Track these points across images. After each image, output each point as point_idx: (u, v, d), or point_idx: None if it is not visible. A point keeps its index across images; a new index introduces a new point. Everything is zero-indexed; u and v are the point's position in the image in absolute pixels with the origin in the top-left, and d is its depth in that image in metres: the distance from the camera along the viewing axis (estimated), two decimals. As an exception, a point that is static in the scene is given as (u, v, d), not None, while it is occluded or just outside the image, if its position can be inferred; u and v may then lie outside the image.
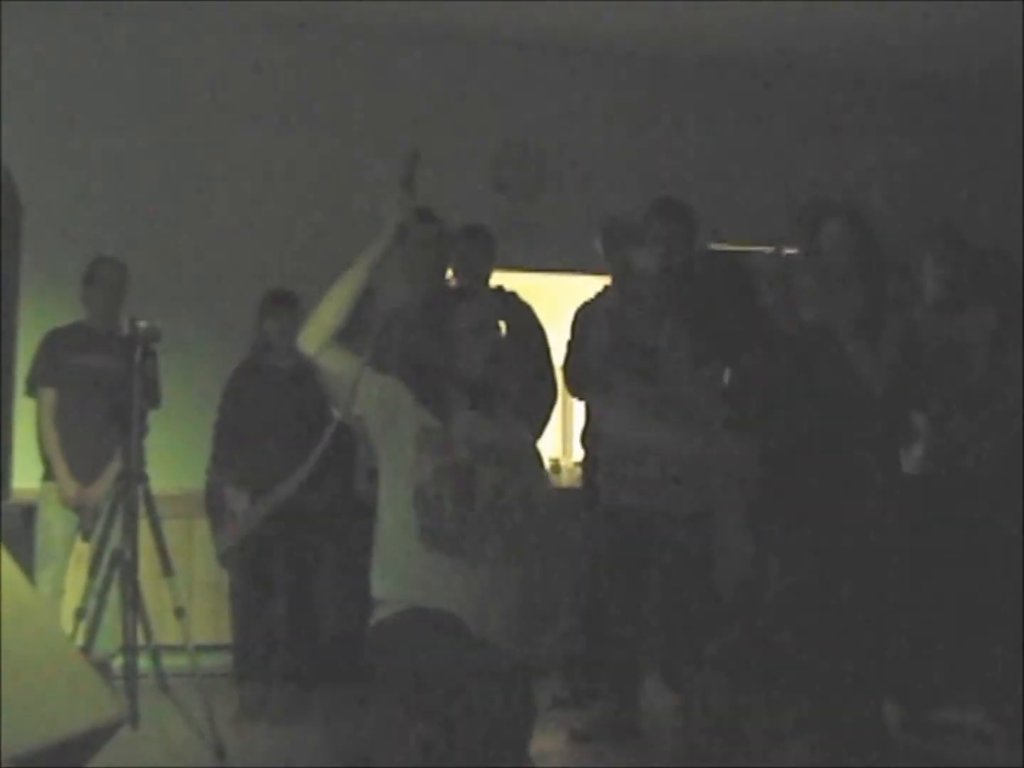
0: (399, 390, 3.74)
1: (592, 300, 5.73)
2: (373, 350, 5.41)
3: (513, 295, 5.52)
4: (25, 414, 6.04)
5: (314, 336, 3.68)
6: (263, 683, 5.80)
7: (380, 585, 3.68)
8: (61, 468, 5.92)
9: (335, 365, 3.69)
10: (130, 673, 5.06)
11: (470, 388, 3.75)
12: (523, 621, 3.66)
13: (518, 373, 4.45)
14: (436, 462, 3.64)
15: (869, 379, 4.77)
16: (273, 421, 5.84)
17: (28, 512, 5.94)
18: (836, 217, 5.01)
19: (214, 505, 6.07)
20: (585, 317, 5.66)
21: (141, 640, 5.14)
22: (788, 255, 5.36)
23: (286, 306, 5.89)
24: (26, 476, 5.99)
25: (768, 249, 5.46)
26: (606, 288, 5.64)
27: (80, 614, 5.16)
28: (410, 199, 3.76)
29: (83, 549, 5.91)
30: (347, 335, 6.25)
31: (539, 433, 5.34)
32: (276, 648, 5.94)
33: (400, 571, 3.64)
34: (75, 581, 5.78)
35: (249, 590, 5.89)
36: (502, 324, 3.92)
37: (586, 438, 5.64)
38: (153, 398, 5.66)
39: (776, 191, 7.43)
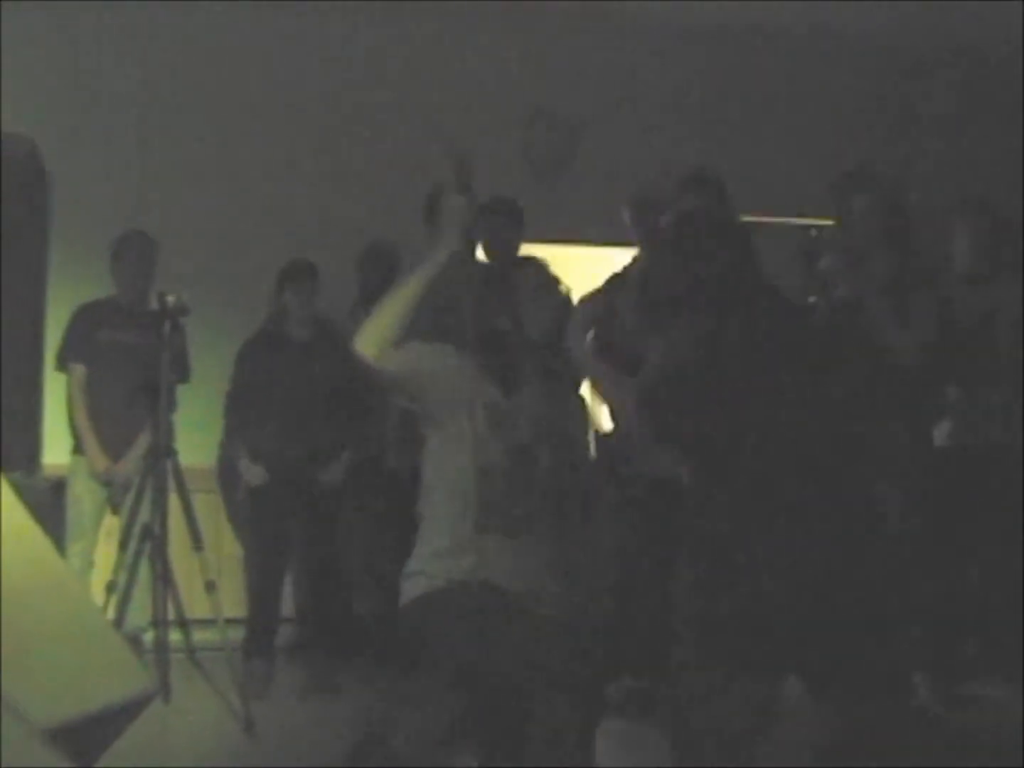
0: (461, 363, 3.70)
1: (621, 271, 5.71)
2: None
3: (543, 263, 5.48)
4: (55, 389, 6.04)
5: (371, 344, 3.57)
6: (269, 659, 5.79)
7: (420, 560, 3.65)
8: (91, 442, 5.92)
9: (395, 364, 3.61)
10: (161, 647, 5.08)
11: (538, 352, 3.72)
12: (572, 594, 3.64)
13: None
14: (501, 440, 3.60)
15: (899, 352, 4.73)
16: (288, 392, 5.80)
17: (58, 486, 5.95)
18: (866, 191, 4.97)
19: (227, 478, 6.07)
20: (614, 288, 5.63)
21: (171, 614, 5.17)
22: (822, 230, 5.32)
23: (306, 277, 5.86)
24: (56, 451, 6.00)
25: (812, 230, 5.42)
26: (635, 259, 5.60)
27: (111, 588, 5.18)
28: (470, 206, 3.71)
29: (113, 523, 5.94)
30: (375, 299, 6.28)
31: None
32: (287, 624, 5.94)
33: (447, 547, 3.59)
34: (105, 555, 5.80)
35: (262, 564, 5.88)
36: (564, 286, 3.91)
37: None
38: (182, 372, 5.69)
39: (808, 163, 7.36)
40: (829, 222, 5.81)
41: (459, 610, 3.50)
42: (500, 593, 3.51)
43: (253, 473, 5.78)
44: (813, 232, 5.36)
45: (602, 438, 5.72)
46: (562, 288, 3.88)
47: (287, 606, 6.12)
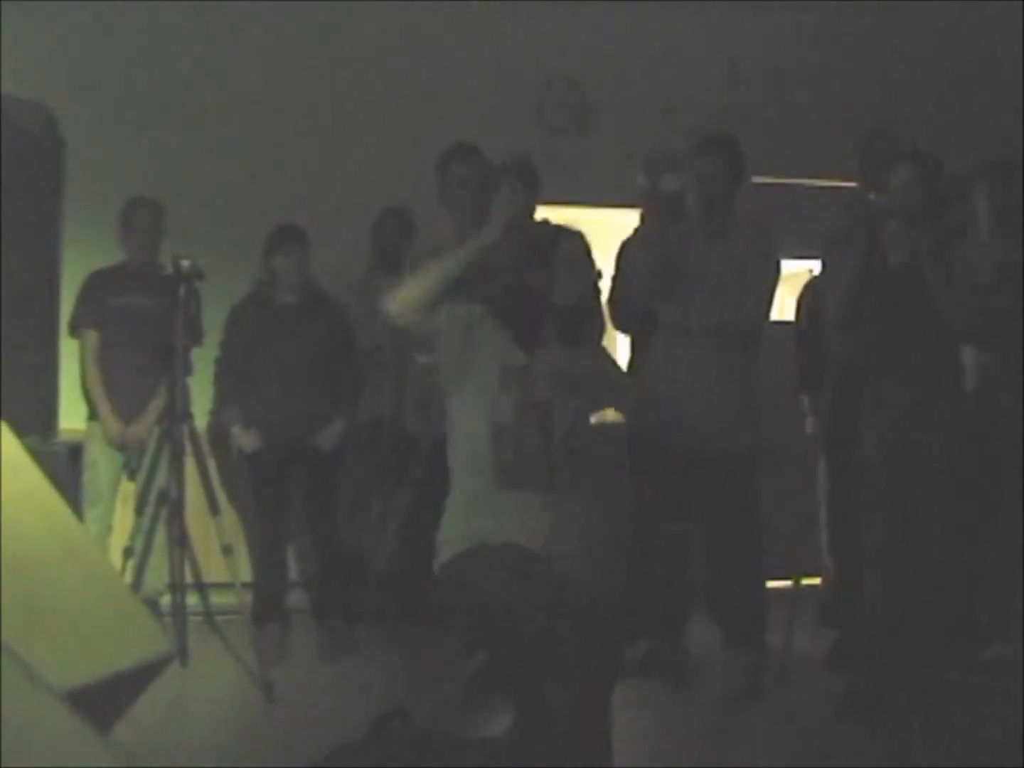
0: (482, 322, 3.71)
1: (634, 233, 5.70)
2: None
3: (562, 227, 5.47)
4: (71, 355, 6.05)
5: (405, 304, 3.63)
6: (282, 623, 5.80)
7: (448, 525, 3.67)
8: (104, 408, 5.94)
9: (420, 323, 3.66)
10: (178, 611, 5.11)
11: (563, 320, 3.72)
12: (595, 551, 3.66)
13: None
14: (516, 399, 3.62)
15: (953, 319, 4.73)
16: (280, 357, 5.77)
17: (75, 452, 5.97)
18: (907, 162, 4.94)
19: (219, 443, 6.05)
20: (627, 250, 5.63)
21: (188, 578, 5.19)
22: (878, 196, 5.29)
23: (296, 241, 5.83)
24: (72, 416, 6.02)
25: (871, 195, 5.39)
26: (642, 219, 5.59)
27: (128, 553, 5.21)
28: (518, 196, 3.73)
29: (129, 488, 5.96)
30: (389, 265, 6.27)
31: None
32: (290, 589, 5.95)
33: (471, 509, 3.63)
34: (122, 520, 5.82)
35: (263, 530, 5.89)
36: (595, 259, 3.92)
37: (631, 372, 5.60)
38: (196, 336, 5.68)
39: (825, 124, 7.31)
40: (844, 183, 5.79)
41: (482, 574, 3.52)
42: (522, 554, 3.52)
43: (247, 439, 5.76)
44: (871, 197, 5.33)
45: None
46: (596, 267, 3.91)
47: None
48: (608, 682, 3.36)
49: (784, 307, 7.67)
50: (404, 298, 3.63)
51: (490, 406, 3.61)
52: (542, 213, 5.74)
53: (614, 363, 4.14)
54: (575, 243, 3.84)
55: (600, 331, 5.33)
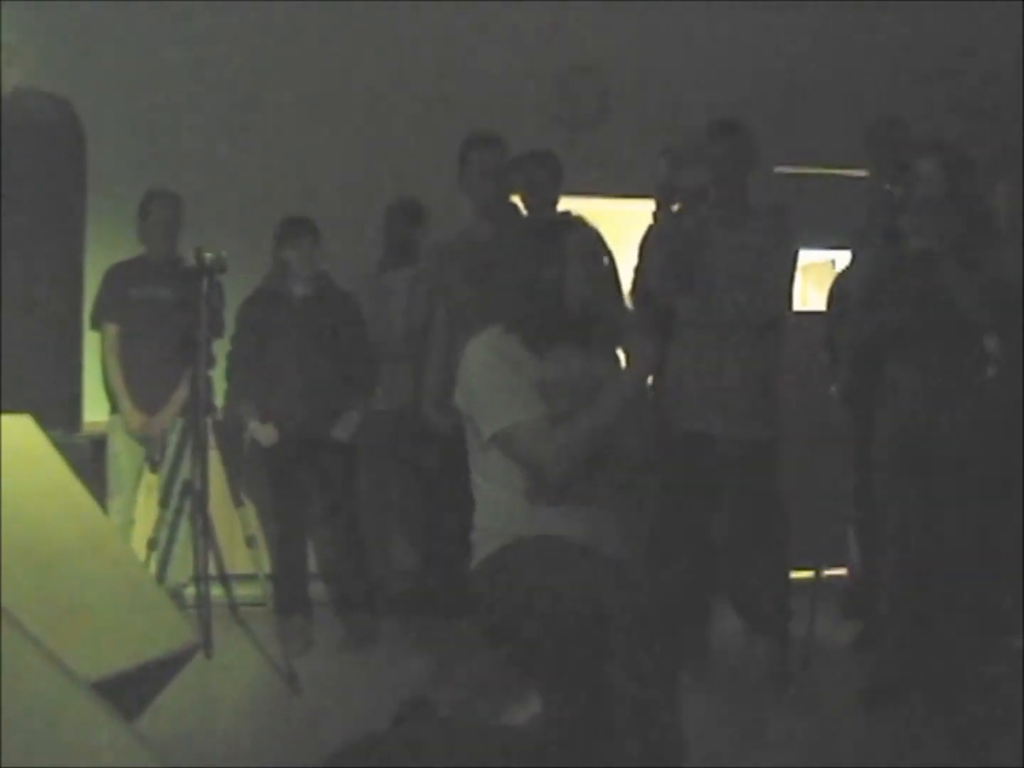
0: (503, 341, 3.62)
1: (652, 226, 5.70)
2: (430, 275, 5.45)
3: (581, 220, 5.46)
4: (95, 347, 6.07)
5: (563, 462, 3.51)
6: (305, 615, 5.81)
7: (482, 523, 3.63)
8: (125, 400, 5.96)
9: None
10: (202, 602, 5.11)
11: (572, 319, 3.64)
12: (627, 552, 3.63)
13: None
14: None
15: (972, 311, 4.71)
16: (293, 350, 5.76)
17: (99, 444, 5.99)
18: (932, 155, 4.91)
19: (229, 438, 6.01)
20: (647, 241, 5.63)
21: (212, 570, 5.20)
22: (895, 187, 5.27)
23: (306, 233, 5.82)
24: (97, 409, 6.03)
25: (887, 186, 5.38)
26: (680, 212, 5.58)
27: (152, 544, 5.22)
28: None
29: (152, 480, 5.98)
30: (402, 257, 6.26)
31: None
32: (312, 580, 5.95)
33: (507, 513, 3.57)
34: (145, 511, 5.84)
35: (282, 523, 5.89)
36: (606, 256, 3.86)
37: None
38: (218, 329, 5.69)
39: (848, 114, 7.28)
40: (857, 172, 5.77)
41: (525, 565, 3.46)
42: (565, 544, 3.49)
43: (264, 433, 5.75)
44: (887, 187, 5.31)
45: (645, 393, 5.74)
46: (607, 257, 3.83)
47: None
48: (674, 666, 3.30)
49: (808, 298, 7.67)
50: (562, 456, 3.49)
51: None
52: (562, 205, 5.79)
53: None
54: (584, 240, 3.72)
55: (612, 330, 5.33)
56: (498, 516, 3.58)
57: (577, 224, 3.76)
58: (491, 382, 3.54)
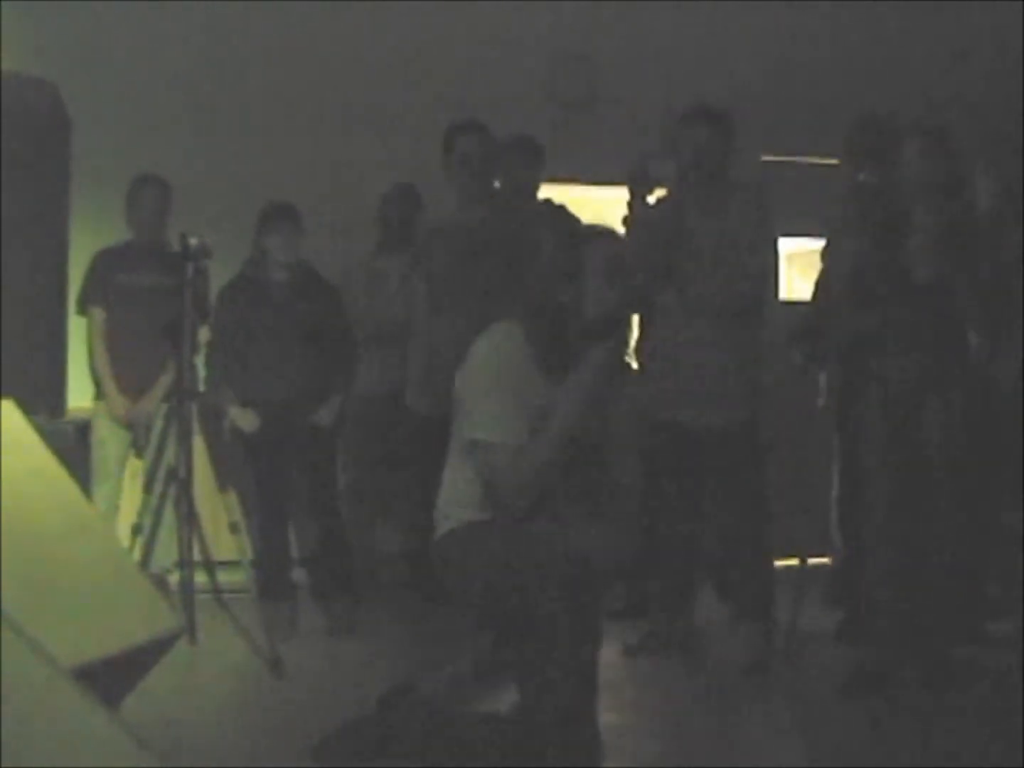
0: (523, 355, 3.59)
1: (628, 214, 5.70)
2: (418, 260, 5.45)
3: (562, 208, 5.47)
4: (79, 333, 6.06)
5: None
6: (289, 601, 5.79)
7: (447, 505, 3.67)
8: (110, 386, 5.95)
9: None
10: (187, 588, 5.11)
11: (593, 333, 3.55)
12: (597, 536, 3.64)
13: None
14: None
15: (965, 304, 4.73)
16: (273, 336, 5.75)
17: (83, 430, 5.98)
18: (917, 137, 4.89)
19: (209, 424, 6.00)
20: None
21: (197, 555, 5.19)
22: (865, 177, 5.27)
23: (288, 219, 5.79)
24: (80, 395, 6.02)
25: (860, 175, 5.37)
26: (660, 200, 5.58)
27: (136, 530, 5.22)
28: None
29: (137, 466, 5.97)
30: (397, 242, 6.25)
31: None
32: (295, 566, 5.94)
33: (464, 500, 3.62)
34: (130, 498, 5.83)
35: (264, 509, 5.87)
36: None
37: (639, 350, 5.60)
38: (204, 315, 5.67)
39: (835, 102, 7.27)
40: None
41: (482, 543, 3.53)
42: (523, 529, 3.52)
43: (245, 419, 5.73)
44: (861, 177, 5.31)
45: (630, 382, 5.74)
46: (627, 270, 3.78)
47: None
48: (588, 645, 3.37)
49: (793, 287, 7.67)
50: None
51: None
52: (550, 191, 5.80)
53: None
54: (607, 249, 3.69)
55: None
56: (457, 502, 3.63)
57: (599, 235, 3.72)
58: (490, 388, 3.52)
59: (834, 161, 5.83)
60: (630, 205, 5.60)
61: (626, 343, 3.63)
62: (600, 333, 3.54)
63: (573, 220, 5.53)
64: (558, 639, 3.23)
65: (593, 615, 3.36)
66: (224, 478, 5.24)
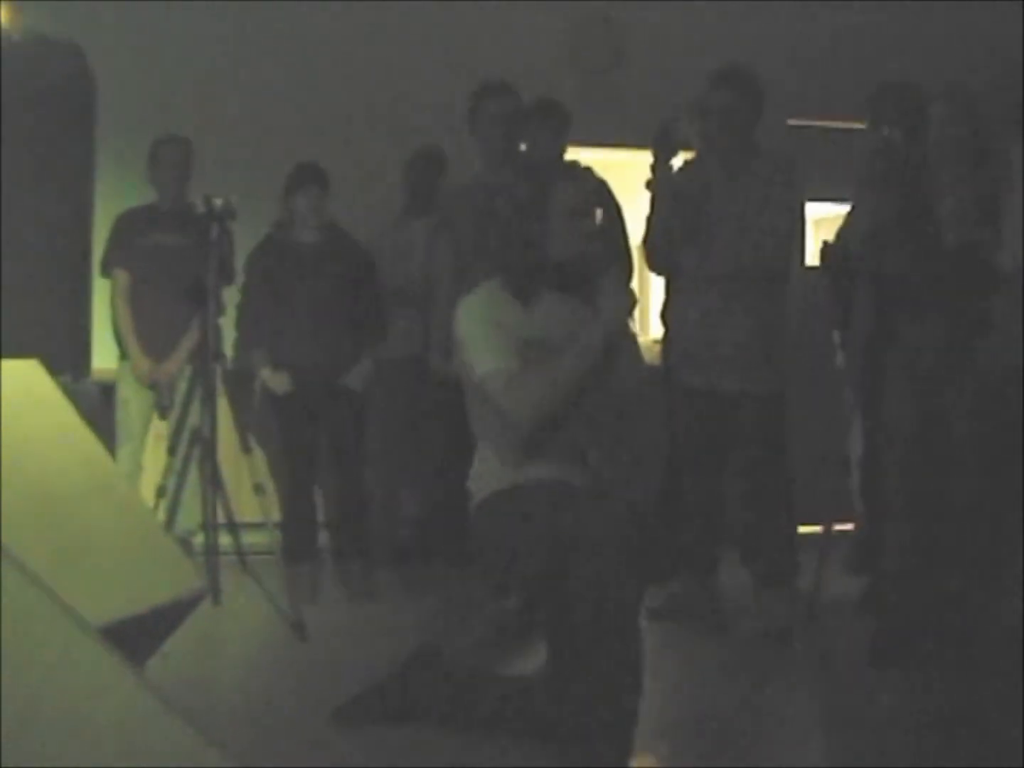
0: (500, 299, 3.72)
1: (652, 178, 5.64)
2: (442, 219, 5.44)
3: (588, 170, 5.44)
4: (102, 294, 6.06)
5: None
6: (313, 564, 5.80)
7: (478, 470, 3.71)
8: (133, 347, 5.95)
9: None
10: (211, 550, 5.13)
11: (559, 271, 3.68)
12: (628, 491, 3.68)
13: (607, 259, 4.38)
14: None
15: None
16: (304, 297, 5.72)
17: (107, 391, 5.99)
18: (944, 100, 4.83)
19: (238, 387, 6.00)
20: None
21: (221, 517, 5.20)
22: (890, 133, 5.21)
23: (315, 181, 5.77)
24: (105, 355, 6.03)
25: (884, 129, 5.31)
26: (686, 163, 5.54)
27: (161, 492, 5.23)
28: None
29: (161, 427, 5.98)
30: (423, 205, 6.24)
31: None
32: (321, 529, 5.95)
33: (487, 470, 3.68)
34: (154, 459, 5.85)
35: (291, 472, 5.87)
36: (598, 212, 3.84)
37: (665, 315, 5.58)
38: (228, 276, 5.67)
39: (862, 65, 7.22)
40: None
41: (514, 511, 3.54)
42: (555, 485, 3.53)
43: (277, 381, 5.72)
44: (886, 132, 5.24)
45: (660, 341, 5.73)
46: (603, 209, 3.84)
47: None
48: (633, 608, 3.35)
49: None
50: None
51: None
52: (573, 155, 5.77)
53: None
54: (574, 192, 3.76)
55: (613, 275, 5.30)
56: (481, 473, 3.69)
57: (570, 175, 3.78)
58: (473, 335, 3.64)
59: (861, 125, 5.77)
60: (654, 169, 5.55)
61: (631, 303, 3.69)
62: (564, 269, 3.68)
63: (597, 182, 5.52)
64: (593, 605, 3.23)
65: (629, 582, 3.34)
66: (247, 439, 5.23)
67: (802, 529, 5.36)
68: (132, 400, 5.99)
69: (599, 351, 3.54)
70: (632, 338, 4.49)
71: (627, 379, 3.80)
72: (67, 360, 5.13)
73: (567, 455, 3.63)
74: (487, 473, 3.68)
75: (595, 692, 3.25)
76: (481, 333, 3.62)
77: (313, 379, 5.70)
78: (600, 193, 5.36)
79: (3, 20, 5.08)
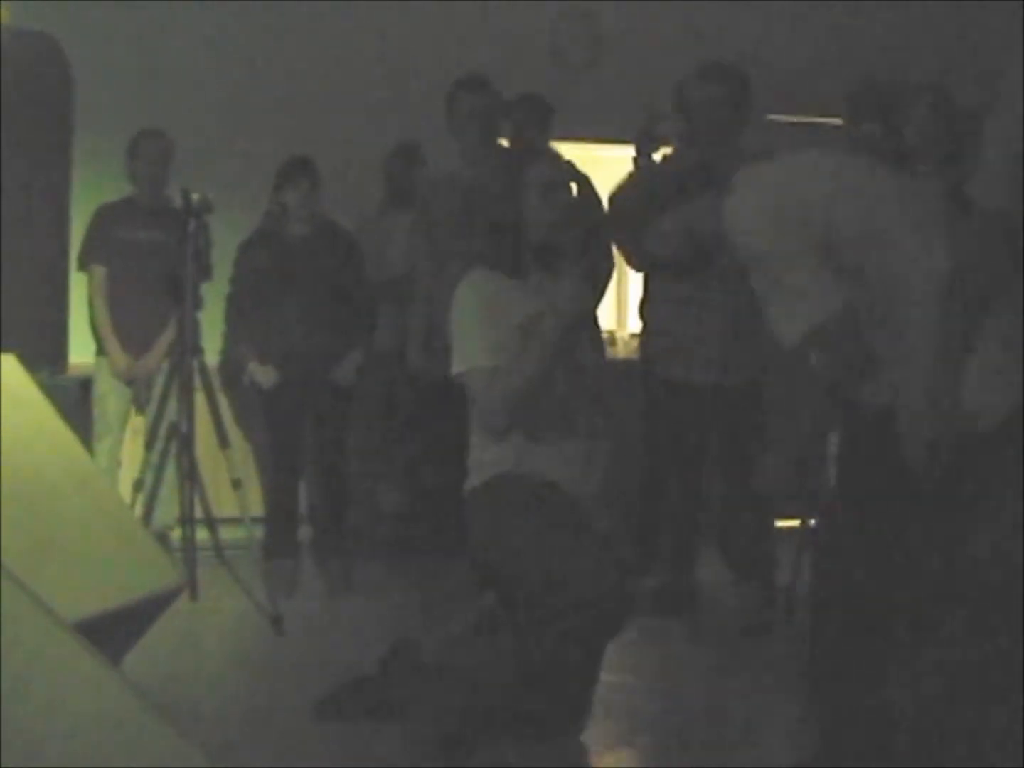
0: (495, 279, 3.73)
1: (633, 171, 5.64)
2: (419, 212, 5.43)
3: (570, 164, 5.43)
4: (81, 288, 6.04)
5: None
6: (293, 558, 5.80)
7: (475, 451, 3.73)
8: (111, 342, 5.94)
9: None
10: (188, 545, 5.11)
11: (537, 249, 3.70)
12: (603, 487, 3.69)
13: (581, 239, 4.40)
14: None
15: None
16: (293, 291, 5.72)
17: (85, 385, 5.97)
18: (922, 96, 4.84)
19: (232, 380, 6.01)
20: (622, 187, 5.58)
21: (199, 512, 5.19)
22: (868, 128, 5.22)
23: (305, 174, 5.76)
24: (82, 350, 6.01)
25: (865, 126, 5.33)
26: (665, 158, 5.54)
27: (138, 486, 5.22)
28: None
29: (139, 422, 5.96)
30: (402, 199, 6.23)
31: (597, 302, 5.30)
32: (303, 523, 5.95)
33: (478, 455, 3.70)
34: (132, 453, 5.83)
35: (277, 465, 5.88)
36: (572, 186, 3.87)
37: (643, 309, 5.57)
38: (205, 270, 5.65)
39: (844, 61, 7.22)
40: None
41: (501, 504, 3.59)
42: (542, 488, 3.54)
43: (264, 375, 5.72)
44: (864, 127, 5.25)
45: (637, 335, 5.72)
46: (572, 187, 3.86)
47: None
48: (607, 637, 3.47)
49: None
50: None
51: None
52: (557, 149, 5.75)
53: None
54: (547, 169, 3.80)
55: (599, 268, 5.30)
56: (473, 458, 3.72)
57: (538, 157, 3.81)
58: (462, 324, 3.66)
59: (840, 121, 5.77)
60: (636, 162, 5.56)
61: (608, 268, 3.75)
62: (543, 245, 3.70)
63: (567, 161, 5.52)
64: (564, 639, 3.30)
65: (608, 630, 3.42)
66: (225, 434, 5.22)
67: (780, 523, 5.37)
68: (110, 395, 5.97)
69: (556, 343, 3.57)
70: (596, 323, 4.48)
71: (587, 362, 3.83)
72: (45, 356, 5.12)
73: (548, 447, 3.64)
74: (471, 463, 3.71)
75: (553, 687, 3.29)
76: (469, 323, 3.64)
77: (302, 372, 5.70)
78: (572, 169, 5.37)
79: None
